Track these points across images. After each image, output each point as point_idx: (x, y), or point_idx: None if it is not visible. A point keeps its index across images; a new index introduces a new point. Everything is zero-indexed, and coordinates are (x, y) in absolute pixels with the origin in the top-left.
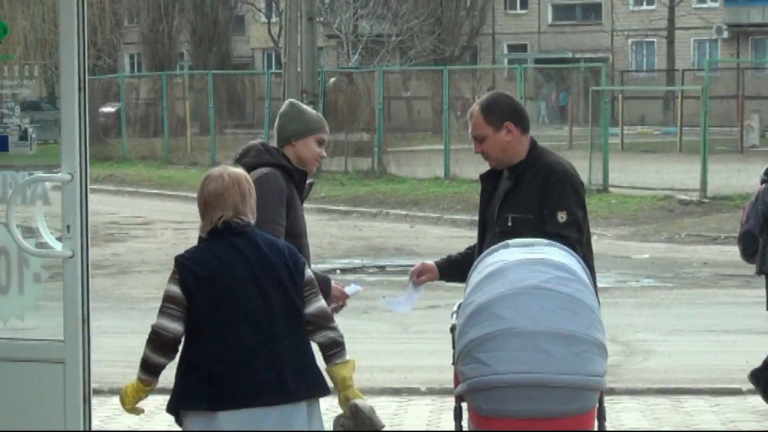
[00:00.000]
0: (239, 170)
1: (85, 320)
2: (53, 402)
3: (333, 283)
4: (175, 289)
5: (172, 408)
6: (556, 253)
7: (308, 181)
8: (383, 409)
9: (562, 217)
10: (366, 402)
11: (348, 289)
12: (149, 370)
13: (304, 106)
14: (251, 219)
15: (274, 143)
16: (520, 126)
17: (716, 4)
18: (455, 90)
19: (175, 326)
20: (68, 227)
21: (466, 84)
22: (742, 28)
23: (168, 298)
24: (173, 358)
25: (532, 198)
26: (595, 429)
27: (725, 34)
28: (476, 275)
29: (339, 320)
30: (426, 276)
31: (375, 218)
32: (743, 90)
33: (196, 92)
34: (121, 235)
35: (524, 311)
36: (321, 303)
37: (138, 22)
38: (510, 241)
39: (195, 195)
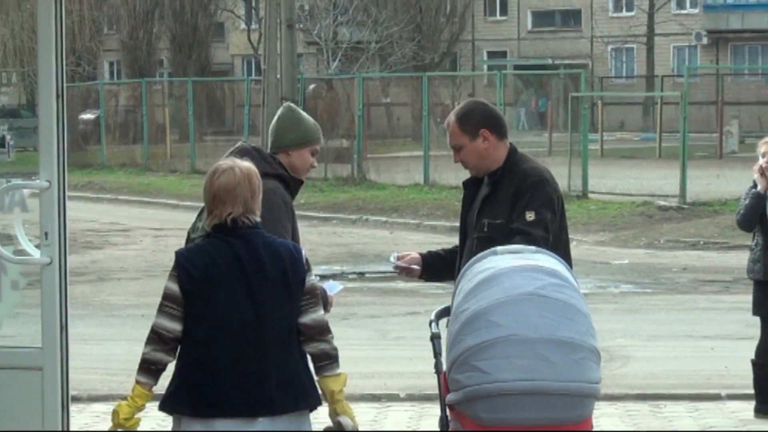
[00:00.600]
0: (250, 164)
1: (64, 327)
2: (31, 409)
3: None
4: (174, 287)
5: (160, 410)
6: (547, 260)
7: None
8: (362, 415)
9: (529, 216)
10: (349, 421)
11: (329, 290)
12: (149, 371)
13: (303, 113)
14: (258, 217)
15: (254, 144)
16: (497, 132)
17: (695, 11)
18: (435, 96)
19: (175, 326)
20: (46, 234)
21: (446, 90)
22: (722, 34)
23: (167, 297)
24: (174, 358)
25: (505, 203)
26: None
27: (704, 41)
28: (467, 282)
29: None
30: (409, 257)
31: (355, 225)
32: (722, 96)
33: (176, 99)
34: (100, 242)
35: (522, 318)
36: (318, 314)
37: (117, 29)
38: (498, 248)
39: (174, 202)
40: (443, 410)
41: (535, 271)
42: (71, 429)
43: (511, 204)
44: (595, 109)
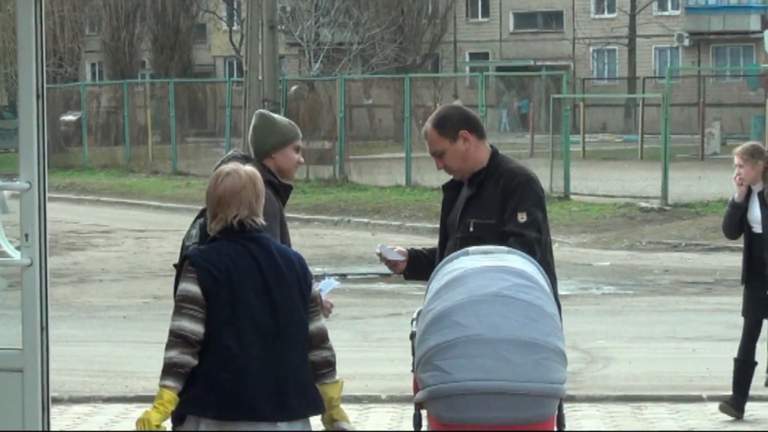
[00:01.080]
0: (253, 168)
1: (44, 329)
2: (11, 410)
3: None
4: (195, 289)
5: (179, 412)
6: (516, 261)
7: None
8: None
9: (522, 217)
10: (351, 427)
11: (323, 289)
12: (177, 374)
13: (275, 116)
14: (263, 220)
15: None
16: (476, 132)
17: (677, 12)
18: (417, 98)
19: (198, 328)
20: (26, 236)
21: (428, 92)
22: (703, 35)
23: (187, 299)
24: (197, 360)
25: (493, 203)
26: None
27: (686, 42)
28: (436, 282)
29: None
30: (397, 249)
31: (336, 226)
32: (704, 97)
33: (158, 100)
34: (81, 243)
35: (485, 319)
36: (321, 321)
37: (99, 30)
38: (470, 249)
39: (156, 203)
40: (416, 409)
41: (502, 272)
42: (52, 430)
43: (500, 204)
44: (577, 111)
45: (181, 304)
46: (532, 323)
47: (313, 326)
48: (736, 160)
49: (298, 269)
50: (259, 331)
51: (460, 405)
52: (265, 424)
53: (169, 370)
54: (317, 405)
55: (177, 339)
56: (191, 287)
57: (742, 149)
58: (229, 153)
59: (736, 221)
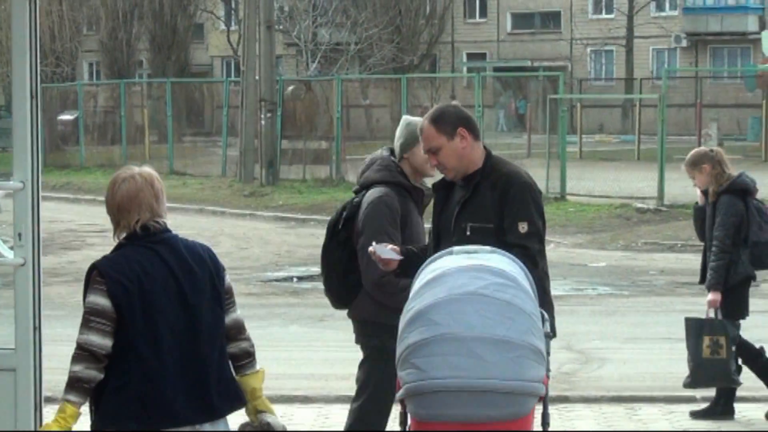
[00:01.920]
0: (150, 169)
1: (37, 328)
2: (4, 410)
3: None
4: (103, 302)
5: (97, 428)
6: (497, 260)
7: (429, 191)
8: (337, 417)
9: (523, 228)
10: (278, 420)
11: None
12: (81, 389)
13: (413, 118)
14: (167, 219)
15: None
16: (472, 132)
17: (675, 13)
18: (414, 98)
19: (106, 342)
20: (20, 235)
21: (425, 92)
22: (701, 36)
23: (95, 312)
24: (103, 374)
25: (490, 208)
26: None
27: (684, 43)
28: (418, 282)
29: (294, 327)
30: (391, 247)
31: None
32: (701, 98)
33: (155, 100)
34: (77, 242)
35: (460, 317)
36: (237, 313)
37: (97, 29)
38: (454, 248)
39: None
40: (402, 407)
41: (481, 271)
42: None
43: (498, 208)
44: (574, 111)
45: (89, 317)
46: (508, 321)
47: (229, 319)
48: (687, 174)
49: (209, 264)
50: (176, 335)
51: (434, 402)
52: (188, 428)
53: (74, 384)
54: (240, 399)
55: (84, 353)
56: (99, 299)
57: (685, 162)
58: (378, 152)
59: (698, 224)
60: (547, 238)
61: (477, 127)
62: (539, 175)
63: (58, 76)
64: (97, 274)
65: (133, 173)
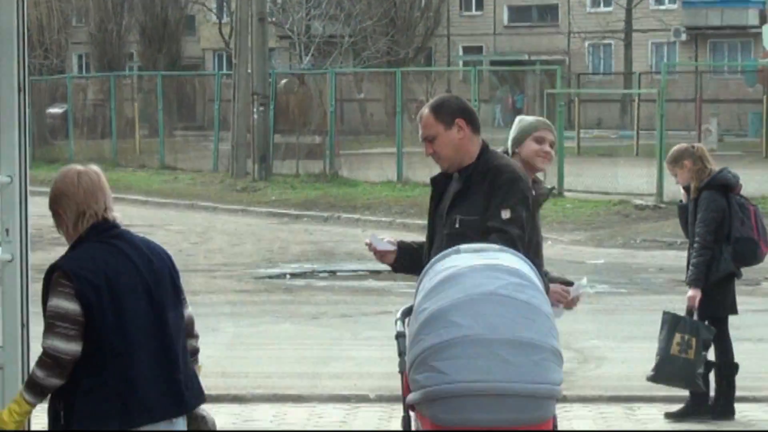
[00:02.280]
0: (95, 166)
1: (25, 325)
2: None
3: (552, 286)
4: (69, 306)
5: (78, 428)
6: (510, 259)
7: (546, 189)
8: (331, 416)
9: (505, 214)
10: (211, 416)
11: (573, 290)
12: (40, 392)
13: (526, 116)
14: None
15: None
16: (471, 125)
17: (674, 6)
18: (409, 92)
19: (72, 347)
20: (7, 231)
21: (420, 86)
22: (700, 30)
23: (59, 316)
24: (65, 380)
25: (479, 199)
26: None
27: (683, 37)
28: (428, 281)
29: (287, 325)
30: (388, 239)
31: (326, 222)
32: (701, 93)
33: (145, 93)
34: None
35: (481, 318)
36: (189, 309)
37: (86, 21)
38: (461, 246)
39: (144, 198)
40: (405, 410)
41: (497, 270)
42: (32, 428)
43: (484, 200)
44: (572, 106)
45: (54, 322)
46: (530, 323)
47: (186, 314)
48: (669, 171)
49: (165, 259)
50: (146, 331)
51: (457, 406)
52: (164, 423)
53: (34, 387)
54: (203, 393)
55: (48, 360)
56: (65, 304)
57: (667, 159)
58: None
59: (683, 222)
60: (545, 235)
61: (477, 121)
62: None
63: (47, 68)
64: (62, 276)
65: (80, 169)
